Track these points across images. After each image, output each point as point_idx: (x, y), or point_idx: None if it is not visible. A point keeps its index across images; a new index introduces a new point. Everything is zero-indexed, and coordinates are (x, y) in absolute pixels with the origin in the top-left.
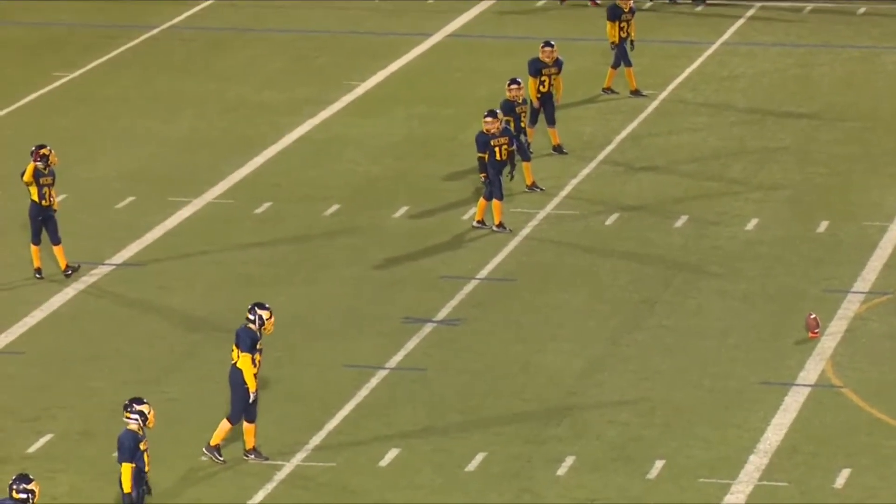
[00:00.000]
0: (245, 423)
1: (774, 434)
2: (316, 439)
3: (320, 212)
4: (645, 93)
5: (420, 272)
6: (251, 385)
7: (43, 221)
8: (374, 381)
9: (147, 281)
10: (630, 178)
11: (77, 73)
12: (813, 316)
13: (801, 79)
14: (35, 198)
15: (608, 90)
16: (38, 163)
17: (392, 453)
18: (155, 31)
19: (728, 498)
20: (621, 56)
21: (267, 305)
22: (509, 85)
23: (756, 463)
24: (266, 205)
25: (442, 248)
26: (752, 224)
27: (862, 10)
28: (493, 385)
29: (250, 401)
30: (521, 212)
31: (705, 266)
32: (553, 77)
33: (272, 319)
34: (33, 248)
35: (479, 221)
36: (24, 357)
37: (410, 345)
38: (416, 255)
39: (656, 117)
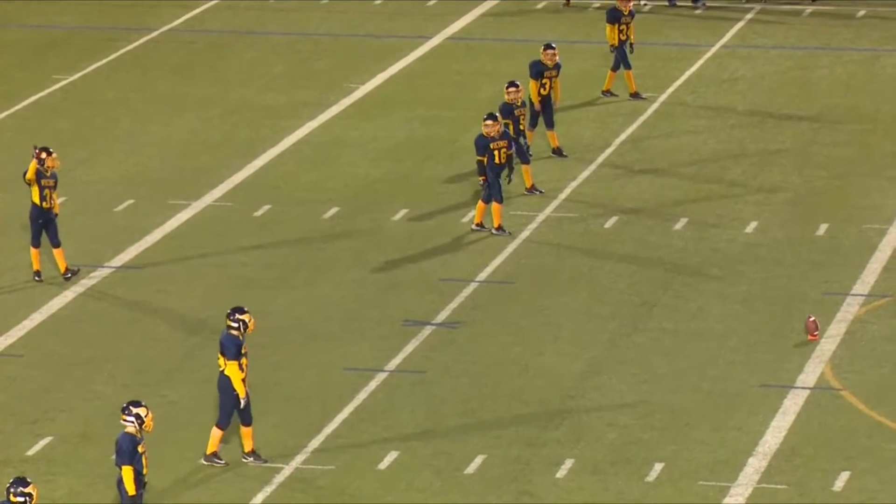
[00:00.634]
0: (242, 427)
1: (774, 437)
2: (315, 442)
3: (320, 214)
4: (644, 95)
5: (419, 275)
6: (241, 392)
7: (43, 224)
8: (373, 384)
9: (146, 284)
10: (629, 181)
11: (77, 76)
12: (812, 318)
13: (801, 81)
14: (36, 200)
15: (608, 93)
16: (40, 165)
17: (391, 456)
18: (155, 33)
19: (727, 500)
20: (621, 59)
21: (245, 308)
22: (508, 88)
23: (755, 465)
24: (266, 207)
25: (441, 251)
26: (751, 227)
27: (861, 12)
28: (493, 388)
29: (242, 406)
30: (520, 214)
31: (705, 269)
32: (552, 80)
33: (253, 321)
34: (33, 250)
35: (478, 224)
36: (24, 360)
37: (410, 347)
38: (415, 258)
39: (656, 120)
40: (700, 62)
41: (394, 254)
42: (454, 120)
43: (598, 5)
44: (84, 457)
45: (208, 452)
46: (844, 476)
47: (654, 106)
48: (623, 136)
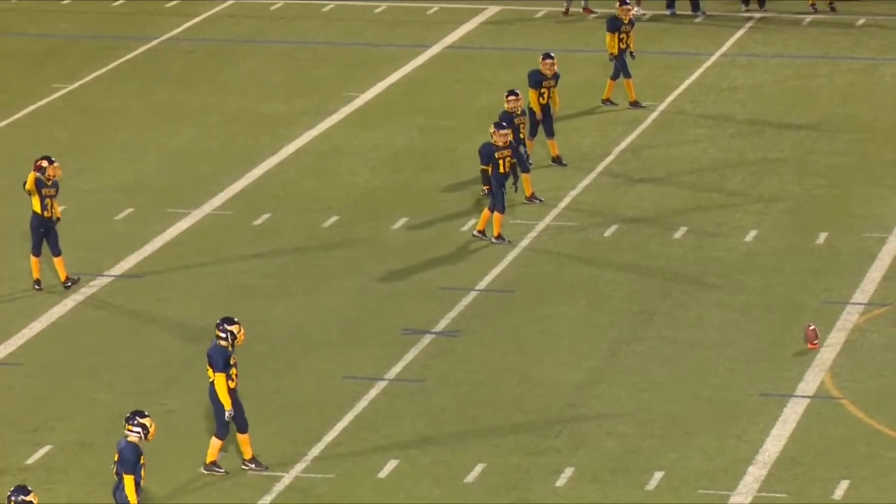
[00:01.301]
0: (238, 435)
1: (773, 445)
2: (315, 450)
3: (319, 223)
4: (644, 104)
5: (419, 283)
6: (226, 404)
7: (44, 233)
8: (373, 393)
9: (146, 292)
10: (629, 190)
11: (77, 85)
12: (812, 327)
13: (801, 90)
14: (37, 209)
15: (607, 101)
16: (39, 173)
17: (391, 465)
18: (155, 42)
19: None
20: (621, 67)
21: (235, 319)
22: (507, 96)
23: (755, 474)
24: (265, 216)
25: (441, 260)
26: (751, 235)
27: (861, 21)
28: (492, 396)
29: (226, 418)
30: (520, 223)
31: (704, 277)
32: (551, 90)
33: (242, 331)
34: (33, 259)
35: (479, 231)
36: (24, 368)
37: (409, 356)
38: (415, 267)
39: (655, 129)
40: (700, 71)
41: (393, 262)
42: (454, 128)
43: (598, 13)
44: (84, 465)
45: (208, 462)
46: (844, 484)
47: (654, 115)
48: (623, 145)
